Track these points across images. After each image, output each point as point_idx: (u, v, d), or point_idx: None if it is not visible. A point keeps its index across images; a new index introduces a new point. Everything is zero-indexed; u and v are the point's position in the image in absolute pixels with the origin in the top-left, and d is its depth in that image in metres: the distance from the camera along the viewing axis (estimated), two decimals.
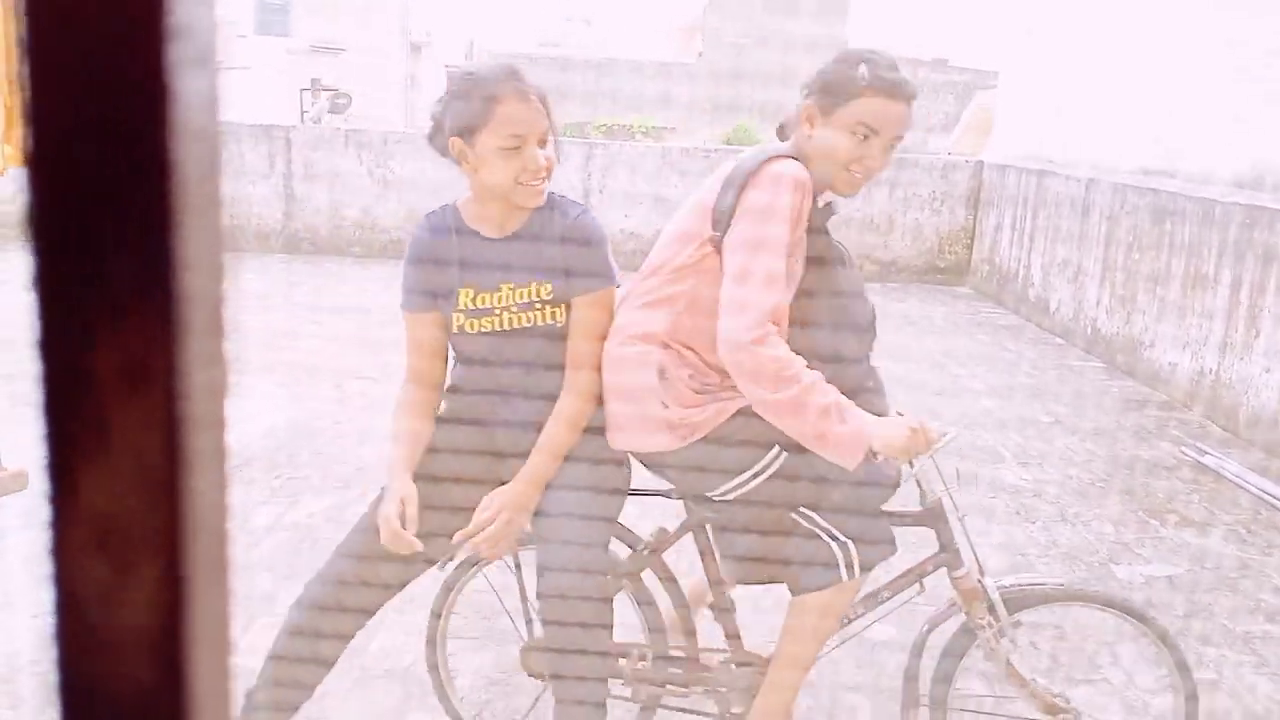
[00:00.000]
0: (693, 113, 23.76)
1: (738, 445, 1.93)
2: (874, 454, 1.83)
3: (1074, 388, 5.93)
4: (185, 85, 0.21)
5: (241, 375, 5.21)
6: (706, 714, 2.19)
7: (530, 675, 2.21)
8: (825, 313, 1.97)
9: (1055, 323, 7.30)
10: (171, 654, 0.22)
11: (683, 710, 2.21)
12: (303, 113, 18.28)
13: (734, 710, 2.14)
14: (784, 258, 1.84)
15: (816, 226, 1.95)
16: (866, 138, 1.90)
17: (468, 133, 1.87)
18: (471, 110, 1.85)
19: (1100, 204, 6.76)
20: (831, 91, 1.92)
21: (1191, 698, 2.06)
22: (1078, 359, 6.65)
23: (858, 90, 1.89)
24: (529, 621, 2.17)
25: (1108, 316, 6.56)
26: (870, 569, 1.99)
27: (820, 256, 1.97)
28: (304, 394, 4.97)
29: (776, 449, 1.93)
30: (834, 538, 1.95)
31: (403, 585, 2.04)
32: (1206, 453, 4.72)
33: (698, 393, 1.94)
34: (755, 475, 1.94)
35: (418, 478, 1.97)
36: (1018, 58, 8.96)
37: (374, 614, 2.03)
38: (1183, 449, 4.82)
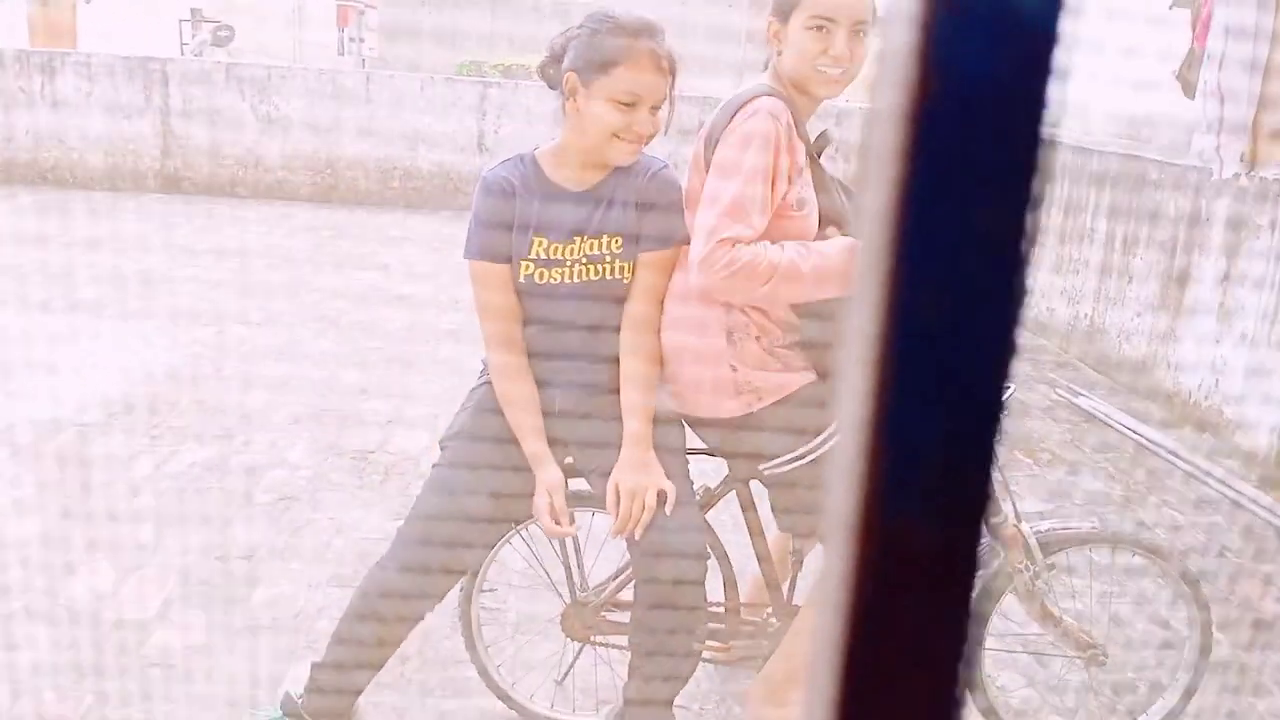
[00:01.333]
0: None
1: (798, 420, 1.90)
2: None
3: None
4: None
5: (120, 320, 5.00)
6: (748, 662, 2.20)
7: (571, 638, 2.17)
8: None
9: None
10: None
11: (722, 662, 2.20)
12: (182, 45, 17.46)
13: None
14: (758, 185, 1.79)
15: (811, 156, 1.90)
16: (824, 29, 1.83)
17: (587, 72, 1.80)
18: (599, 52, 1.78)
19: None
20: (783, 1, 1.87)
21: (1205, 649, 2.14)
22: None
23: None
24: (572, 583, 2.15)
25: None
26: None
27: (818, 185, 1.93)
28: (184, 339, 4.79)
29: (837, 424, 1.89)
30: None
31: (490, 546, 2.04)
32: (1080, 394, 4.92)
33: (767, 353, 1.91)
34: (810, 451, 1.92)
35: (483, 438, 1.94)
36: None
37: (462, 575, 2.02)
38: (1057, 391, 5.01)
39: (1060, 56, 0.27)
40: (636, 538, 1.88)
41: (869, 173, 0.30)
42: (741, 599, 2.18)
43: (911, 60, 0.27)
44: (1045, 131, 0.28)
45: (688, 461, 2.01)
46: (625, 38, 1.78)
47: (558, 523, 1.90)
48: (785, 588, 2.16)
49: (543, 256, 1.89)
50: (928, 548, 0.31)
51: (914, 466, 0.30)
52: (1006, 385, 0.30)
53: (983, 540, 0.32)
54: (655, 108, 1.82)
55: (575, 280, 1.90)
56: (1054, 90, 0.27)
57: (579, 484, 2.05)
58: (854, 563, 0.31)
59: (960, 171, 0.28)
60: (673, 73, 1.83)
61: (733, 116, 1.85)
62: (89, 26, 19.21)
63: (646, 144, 1.86)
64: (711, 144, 1.88)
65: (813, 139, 1.98)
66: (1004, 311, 0.29)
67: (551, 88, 1.89)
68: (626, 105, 1.79)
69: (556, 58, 1.86)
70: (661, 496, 1.86)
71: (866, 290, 0.30)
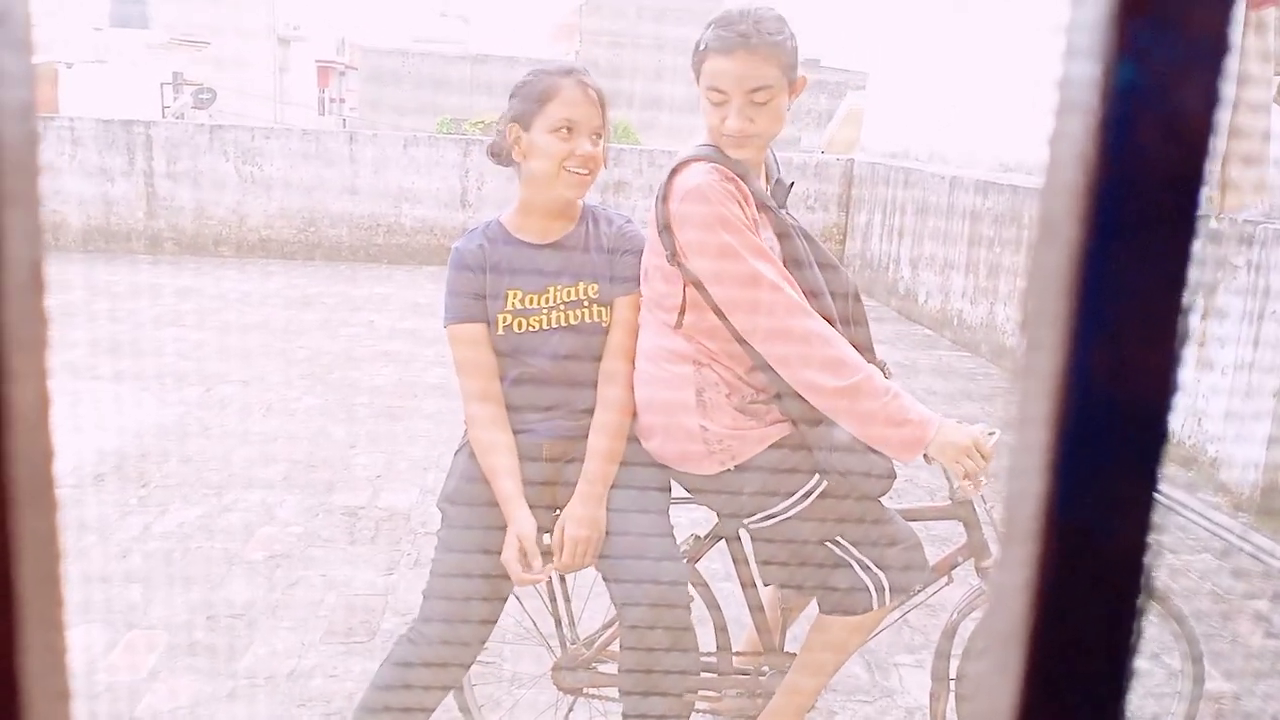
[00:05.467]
0: None
1: (775, 476, 1.89)
2: (927, 458, 1.77)
3: (936, 371, 6.14)
4: None
5: (108, 380, 4.99)
6: (743, 712, 2.18)
7: (564, 692, 2.15)
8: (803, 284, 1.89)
9: (924, 314, 7.55)
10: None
11: (716, 713, 2.18)
12: (164, 108, 17.60)
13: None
14: (755, 256, 1.79)
15: (770, 205, 1.90)
16: (719, 102, 1.82)
17: (524, 118, 1.91)
18: (531, 96, 1.90)
19: (962, 198, 7.01)
20: (693, 65, 1.90)
21: (1199, 680, 2.13)
22: (946, 349, 6.89)
23: (702, 57, 1.84)
24: (562, 636, 2.14)
25: (972, 306, 6.82)
26: (902, 598, 1.98)
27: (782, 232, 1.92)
28: (171, 399, 4.79)
29: (816, 478, 1.90)
30: (867, 569, 1.92)
31: (495, 616, 1.98)
32: None
33: (739, 410, 1.89)
34: (790, 506, 1.91)
35: (475, 501, 1.95)
36: (887, 60, 9.22)
37: (487, 639, 1.97)
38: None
39: (1214, 143, 0.32)
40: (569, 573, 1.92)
41: (1043, 233, 0.34)
42: (735, 649, 2.18)
43: (1087, 143, 0.32)
44: (1202, 199, 0.32)
45: (668, 503, 2.01)
46: (552, 77, 1.91)
47: (528, 567, 1.88)
48: (778, 636, 2.16)
49: (519, 306, 1.95)
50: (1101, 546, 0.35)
51: (1088, 472, 0.34)
52: (1169, 411, 0.34)
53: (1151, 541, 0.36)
54: (595, 137, 1.91)
55: (555, 326, 1.95)
56: (1207, 168, 0.32)
57: None
58: (1036, 560, 0.35)
59: (1131, 231, 0.33)
60: (602, 102, 1.93)
61: (667, 189, 1.86)
62: (71, 91, 19.31)
63: (593, 176, 1.93)
64: (660, 215, 1.87)
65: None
66: (1169, 343, 0.33)
67: (501, 160, 1.99)
68: (566, 132, 1.88)
69: (501, 130, 1.97)
70: (595, 542, 1.90)
71: (1044, 330, 0.34)
